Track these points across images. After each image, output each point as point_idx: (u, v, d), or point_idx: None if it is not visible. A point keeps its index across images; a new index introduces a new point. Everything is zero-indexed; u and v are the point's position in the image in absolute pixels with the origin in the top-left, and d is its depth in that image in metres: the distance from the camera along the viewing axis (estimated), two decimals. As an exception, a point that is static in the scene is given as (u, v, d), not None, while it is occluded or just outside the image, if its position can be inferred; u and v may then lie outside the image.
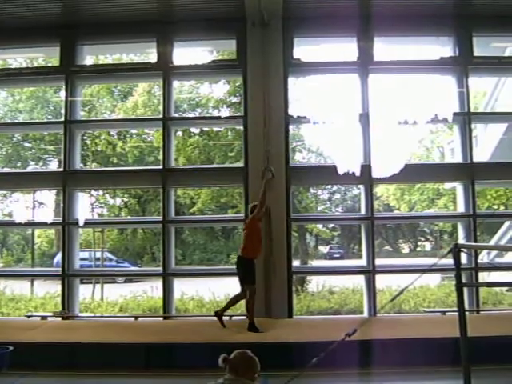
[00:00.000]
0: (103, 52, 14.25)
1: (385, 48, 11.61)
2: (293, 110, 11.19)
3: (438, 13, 10.73)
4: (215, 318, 9.21)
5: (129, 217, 25.97)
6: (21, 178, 12.83)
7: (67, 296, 11.06)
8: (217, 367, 3.85)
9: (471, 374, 5.10)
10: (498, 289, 14.54)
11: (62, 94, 11.96)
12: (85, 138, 22.22)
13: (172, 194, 11.67)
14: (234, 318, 10.38)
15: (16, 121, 23.20)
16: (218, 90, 23.55)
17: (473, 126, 11.68)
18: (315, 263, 23.92)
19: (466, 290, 9.92)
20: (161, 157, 11.45)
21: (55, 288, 13.96)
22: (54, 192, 22.42)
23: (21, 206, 24.78)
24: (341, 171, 10.81)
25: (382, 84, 12.09)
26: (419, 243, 33.81)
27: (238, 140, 20.01)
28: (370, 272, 10.82)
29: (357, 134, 11.24)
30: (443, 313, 10.56)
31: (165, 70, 11.34)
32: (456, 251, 5.19)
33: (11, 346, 7.18)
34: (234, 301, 9.39)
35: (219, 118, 16.76)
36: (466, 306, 9.41)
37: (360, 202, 11.58)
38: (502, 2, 10.50)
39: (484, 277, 13.19)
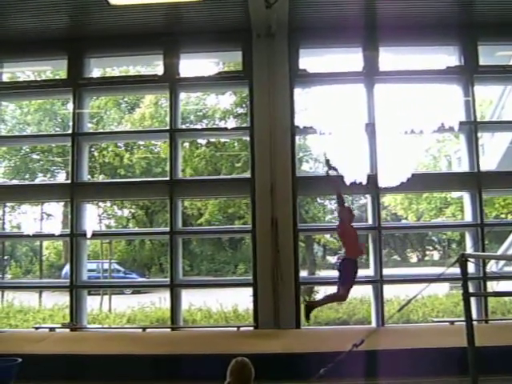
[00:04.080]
0: (110, 64, 14.33)
1: (390, 58, 11.62)
2: (299, 121, 11.22)
3: (442, 22, 10.75)
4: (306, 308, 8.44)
5: (136, 228, 26.03)
6: (29, 189, 12.91)
7: (75, 307, 11.07)
8: (224, 378, 3.88)
9: (479, 384, 5.09)
10: (506, 298, 14.45)
11: (70, 106, 12.03)
12: (92, 149, 22.32)
13: (179, 205, 11.70)
14: (241, 328, 10.39)
15: (24, 133, 23.35)
16: (225, 101, 23.65)
17: (479, 134, 11.66)
18: (323, 273, 23.84)
19: (474, 299, 9.88)
20: (168, 168, 11.47)
21: (63, 299, 14.02)
22: (62, 204, 22.50)
23: (29, 218, 24.88)
24: (348, 181, 10.81)
25: (388, 94, 12.10)
26: (427, 252, 33.66)
27: (244, 151, 20.06)
28: (378, 282, 10.79)
29: (363, 144, 11.25)
30: (452, 322, 10.50)
31: (171, 82, 11.40)
32: (462, 261, 5.18)
33: (19, 357, 7.20)
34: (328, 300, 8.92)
35: (226, 129, 16.79)
36: (475, 316, 9.40)
37: (367, 212, 11.56)
38: (507, 11, 10.50)
39: (493, 286, 13.11)
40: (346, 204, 9.07)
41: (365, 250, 9.35)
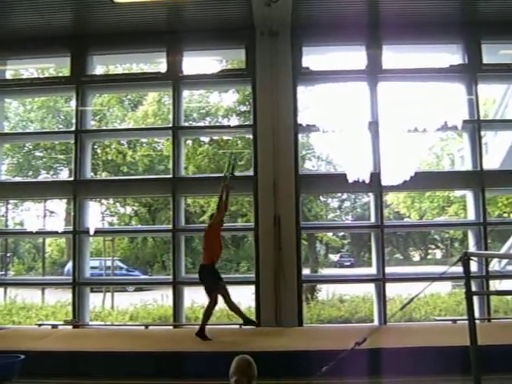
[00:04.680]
0: (113, 62, 14.36)
1: (393, 56, 11.61)
2: (302, 119, 11.23)
3: (446, 20, 10.74)
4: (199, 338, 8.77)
5: (139, 225, 26.01)
6: (32, 186, 12.96)
7: (78, 304, 11.10)
8: (227, 376, 3.88)
9: (482, 383, 5.07)
10: (509, 297, 14.43)
11: (73, 103, 12.03)
12: (95, 147, 22.29)
13: (182, 203, 11.72)
14: (243, 327, 10.39)
15: (27, 130, 23.34)
16: (228, 99, 23.62)
17: (482, 133, 11.67)
18: (325, 271, 23.84)
19: (476, 298, 9.89)
20: (171, 166, 11.49)
21: (66, 296, 14.03)
22: (65, 201, 22.51)
23: (32, 215, 24.89)
24: (350, 179, 10.82)
25: (391, 92, 12.08)
26: (430, 251, 33.63)
27: (247, 149, 20.03)
28: (381, 280, 10.79)
29: (366, 142, 11.25)
30: (454, 321, 10.51)
31: (174, 80, 11.41)
32: (465, 259, 5.17)
33: (22, 354, 7.21)
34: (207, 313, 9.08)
35: (229, 126, 16.77)
36: (477, 315, 9.40)
37: (370, 210, 11.56)
38: (510, 9, 10.49)
39: (495, 285, 13.09)
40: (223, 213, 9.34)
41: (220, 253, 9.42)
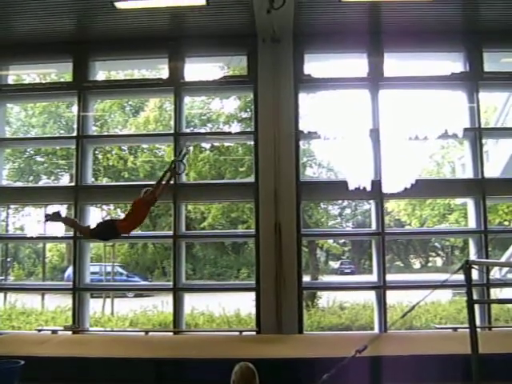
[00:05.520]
0: (115, 68, 14.38)
1: (395, 64, 11.63)
2: (303, 126, 11.24)
3: (447, 29, 10.78)
4: None
5: (140, 231, 25.96)
6: (33, 192, 13.00)
7: (78, 310, 11.10)
8: (227, 382, 3.87)
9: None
10: (510, 305, 14.39)
11: (75, 109, 12.06)
12: (96, 152, 22.28)
13: (183, 209, 11.73)
14: (244, 333, 10.38)
15: (28, 135, 23.35)
16: (229, 105, 23.61)
17: (484, 141, 11.65)
18: (326, 279, 23.79)
19: (477, 306, 9.86)
20: (172, 172, 11.48)
21: (66, 302, 14.01)
22: (66, 206, 22.50)
23: (32, 220, 24.86)
24: (351, 186, 10.82)
25: (393, 100, 12.09)
26: (430, 259, 33.52)
27: (248, 155, 20.03)
28: (381, 288, 10.78)
29: (367, 150, 11.26)
30: (455, 329, 10.49)
31: (176, 86, 11.44)
32: (467, 267, 5.17)
33: (22, 360, 7.21)
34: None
35: (230, 133, 16.80)
36: (478, 323, 9.37)
37: (371, 218, 11.55)
38: (512, 18, 10.54)
39: (496, 293, 13.06)
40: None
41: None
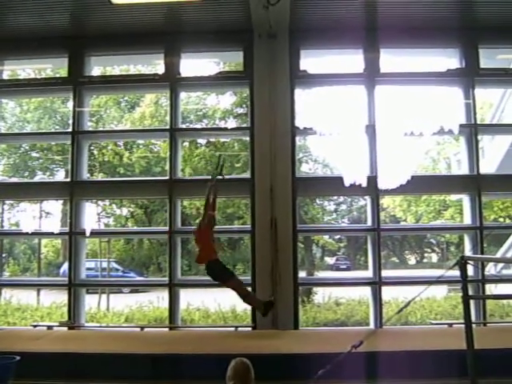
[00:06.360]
0: (111, 63, 14.30)
1: (391, 60, 11.62)
2: (299, 122, 11.22)
3: (443, 25, 10.77)
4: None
5: (135, 227, 25.98)
6: (28, 187, 12.90)
7: (73, 306, 11.07)
8: (223, 378, 3.87)
9: (478, 387, 5.08)
10: (505, 301, 14.46)
11: (70, 104, 12.03)
12: (92, 148, 22.28)
13: (178, 205, 11.70)
14: (239, 328, 10.38)
15: (24, 131, 23.27)
16: (225, 101, 23.61)
17: (479, 137, 11.66)
18: (321, 274, 23.84)
19: (472, 302, 9.88)
20: (167, 167, 11.49)
21: (61, 298, 14.00)
22: (61, 202, 22.46)
23: (28, 216, 24.81)
24: (347, 182, 10.82)
25: (389, 96, 12.10)
26: (426, 254, 33.63)
27: (244, 151, 20.04)
28: (377, 283, 10.80)
29: (363, 146, 11.26)
30: (450, 325, 10.51)
31: (172, 82, 11.41)
32: (462, 263, 5.18)
33: (17, 355, 7.19)
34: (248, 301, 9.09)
35: (226, 129, 16.74)
36: (473, 319, 9.39)
37: (366, 214, 11.57)
38: (508, 14, 10.52)
39: (491, 289, 13.11)
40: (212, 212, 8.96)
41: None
